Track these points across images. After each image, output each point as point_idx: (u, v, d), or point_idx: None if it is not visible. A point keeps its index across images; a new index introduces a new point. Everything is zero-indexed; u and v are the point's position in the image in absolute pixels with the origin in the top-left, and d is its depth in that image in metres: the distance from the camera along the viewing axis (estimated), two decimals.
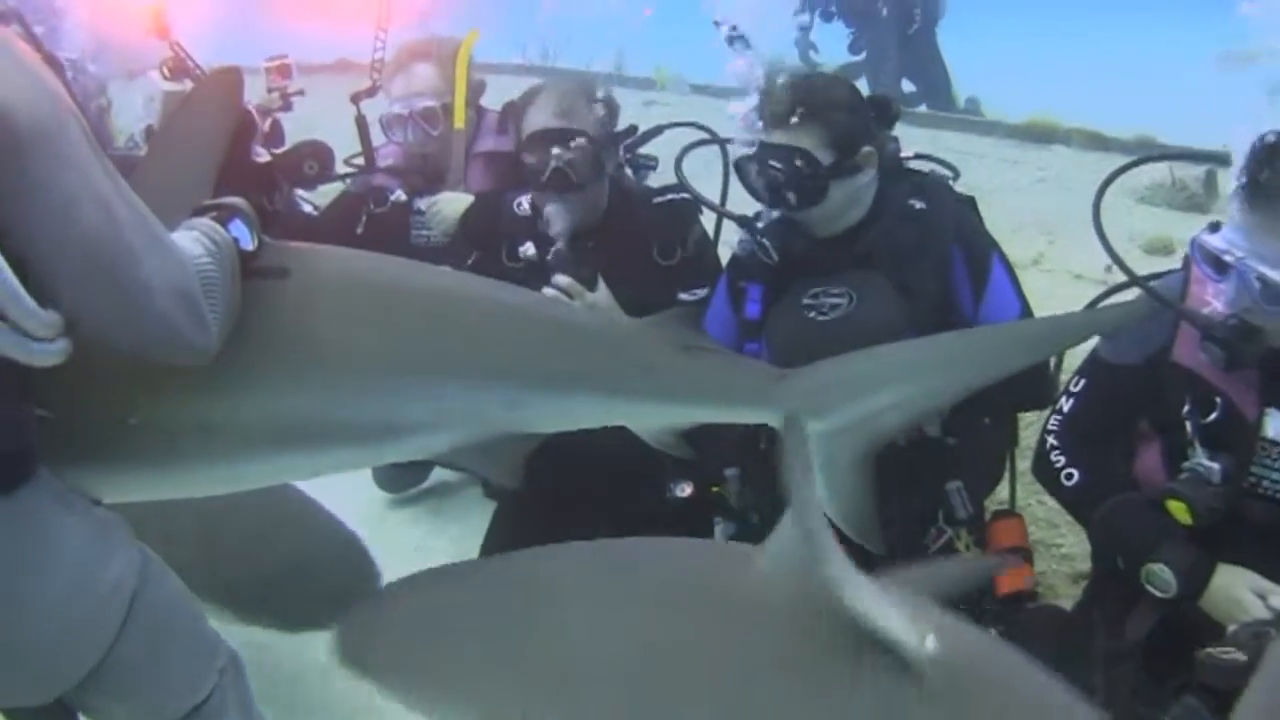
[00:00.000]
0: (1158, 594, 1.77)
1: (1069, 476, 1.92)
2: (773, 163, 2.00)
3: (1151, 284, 1.85)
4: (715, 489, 2.47)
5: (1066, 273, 3.76)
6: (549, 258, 2.24)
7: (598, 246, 2.35)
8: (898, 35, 6.46)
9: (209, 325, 1.29)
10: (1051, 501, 3.16)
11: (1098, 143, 4.88)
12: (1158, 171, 4.37)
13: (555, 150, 2.24)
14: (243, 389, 1.47)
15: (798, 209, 2.04)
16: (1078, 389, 1.95)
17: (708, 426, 2.35)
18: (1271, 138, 1.59)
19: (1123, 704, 1.90)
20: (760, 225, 2.10)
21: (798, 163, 1.98)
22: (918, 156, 2.31)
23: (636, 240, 2.36)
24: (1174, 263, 2.86)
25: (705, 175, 2.54)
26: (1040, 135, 5.34)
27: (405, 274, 1.82)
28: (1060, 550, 2.99)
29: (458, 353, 1.64)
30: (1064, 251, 4.03)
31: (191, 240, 1.33)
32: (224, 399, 1.47)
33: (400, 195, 3.00)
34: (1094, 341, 2.00)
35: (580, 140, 2.25)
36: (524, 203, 2.42)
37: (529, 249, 2.35)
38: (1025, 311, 2.06)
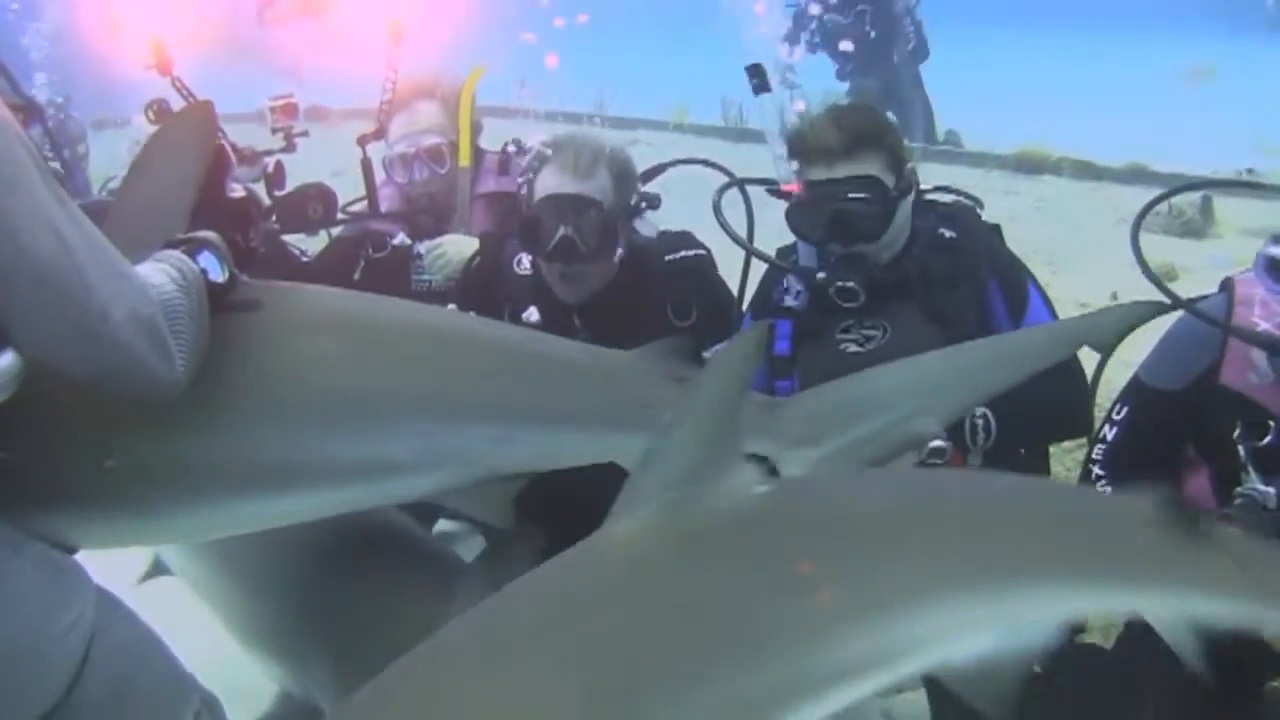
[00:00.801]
0: None
1: None
2: (852, 194, 1.95)
3: (1196, 305, 1.85)
4: None
5: (1072, 301, 3.79)
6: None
7: (609, 311, 2.26)
8: (882, 66, 6.60)
9: (174, 356, 1.26)
10: None
11: (1089, 172, 4.95)
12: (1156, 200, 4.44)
13: (566, 218, 2.14)
14: (221, 429, 1.43)
15: (874, 238, 1.99)
16: (1120, 416, 1.93)
17: None
18: None
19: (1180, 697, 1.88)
20: (819, 266, 2.04)
21: (869, 192, 1.95)
22: (937, 189, 2.30)
23: (650, 302, 2.26)
24: (1178, 289, 2.89)
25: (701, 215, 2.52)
26: (1031, 166, 5.42)
27: (388, 311, 1.78)
28: None
29: (444, 390, 1.61)
30: (1065, 280, 4.07)
31: (157, 271, 1.30)
32: (201, 439, 1.42)
33: (403, 239, 2.95)
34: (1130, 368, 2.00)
35: (593, 210, 2.15)
36: (524, 260, 2.31)
37: (532, 314, 2.25)
38: None
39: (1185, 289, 2.24)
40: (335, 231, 3.12)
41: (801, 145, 2.01)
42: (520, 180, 2.28)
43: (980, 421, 1.91)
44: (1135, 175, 4.94)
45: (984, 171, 5.57)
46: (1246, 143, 4.91)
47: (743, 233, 2.38)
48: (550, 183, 2.18)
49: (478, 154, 2.99)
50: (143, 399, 1.27)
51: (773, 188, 2.13)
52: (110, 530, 1.47)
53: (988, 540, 1.33)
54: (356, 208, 3.12)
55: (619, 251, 2.24)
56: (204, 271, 1.36)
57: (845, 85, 6.81)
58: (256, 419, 1.47)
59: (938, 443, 1.89)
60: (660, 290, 2.26)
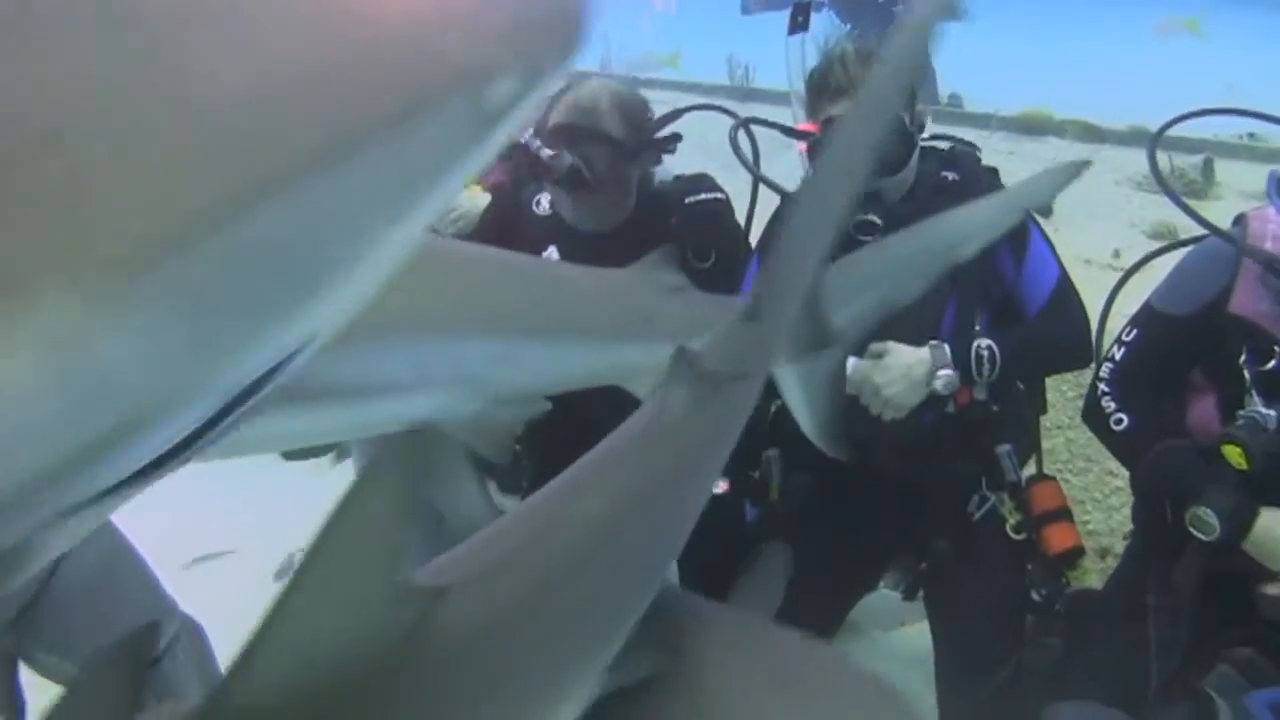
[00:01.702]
0: (1201, 537, 1.84)
1: (1118, 422, 1.99)
2: None
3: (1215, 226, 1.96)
4: (753, 474, 2.54)
5: (1075, 258, 3.90)
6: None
7: (626, 249, 2.38)
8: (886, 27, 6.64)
9: None
10: (1075, 479, 3.31)
11: (1091, 134, 5.05)
12: (1160, 159, 4.55)
13: (574, 147, 2.20)
14: None
15: (897, 170, 2.06)
16: (1130, 338, 2.03)
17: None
18: None
19: (1174, 668, 2.01)
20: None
21: (892, 126, 2.01)
22: (934, 138, 2.39)
23: (668, 243, 2.37)
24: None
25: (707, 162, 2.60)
26: (1034, 127, 5.52)
27: None
28: (1087, 527, 3.12)
29: (438, 305, 1.54)
30: (1068, 238, 4.18)
31: None
32: None
33: None
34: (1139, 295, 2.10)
35: (601, 140, 2.21)
36: (543, 201, 2.37)
37: (552, 253, 2.32)
38: (1064, 276, 2.13)
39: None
40: None
41: (824, 81, 2.07)
42: (529, 129, 2.30)
43: (985, 353, 2.01)
44: (1137, 137, 5.04)
45: (988, 133, 5.67)
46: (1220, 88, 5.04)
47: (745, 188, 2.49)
48: (560, 115, 2.25)
49: None
50: None
51: (789, 128, 2.22)
52: None
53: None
54: None
55: (630, 186, 2.31)
56: None
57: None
58: None
59: (945, 372, 2.02)
60: (680, 232, 2.32)
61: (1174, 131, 4.97)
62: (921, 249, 1.88)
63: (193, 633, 1.71)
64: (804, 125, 2.16)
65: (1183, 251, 2.14)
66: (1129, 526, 2.34)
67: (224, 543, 3.20)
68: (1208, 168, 4.34)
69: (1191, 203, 4.37)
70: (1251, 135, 5.20)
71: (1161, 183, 2.10)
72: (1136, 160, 4.75)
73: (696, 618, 1.29)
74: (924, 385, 2.01)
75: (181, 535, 3.19)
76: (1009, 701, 2.08)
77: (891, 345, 2.04)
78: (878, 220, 2.06)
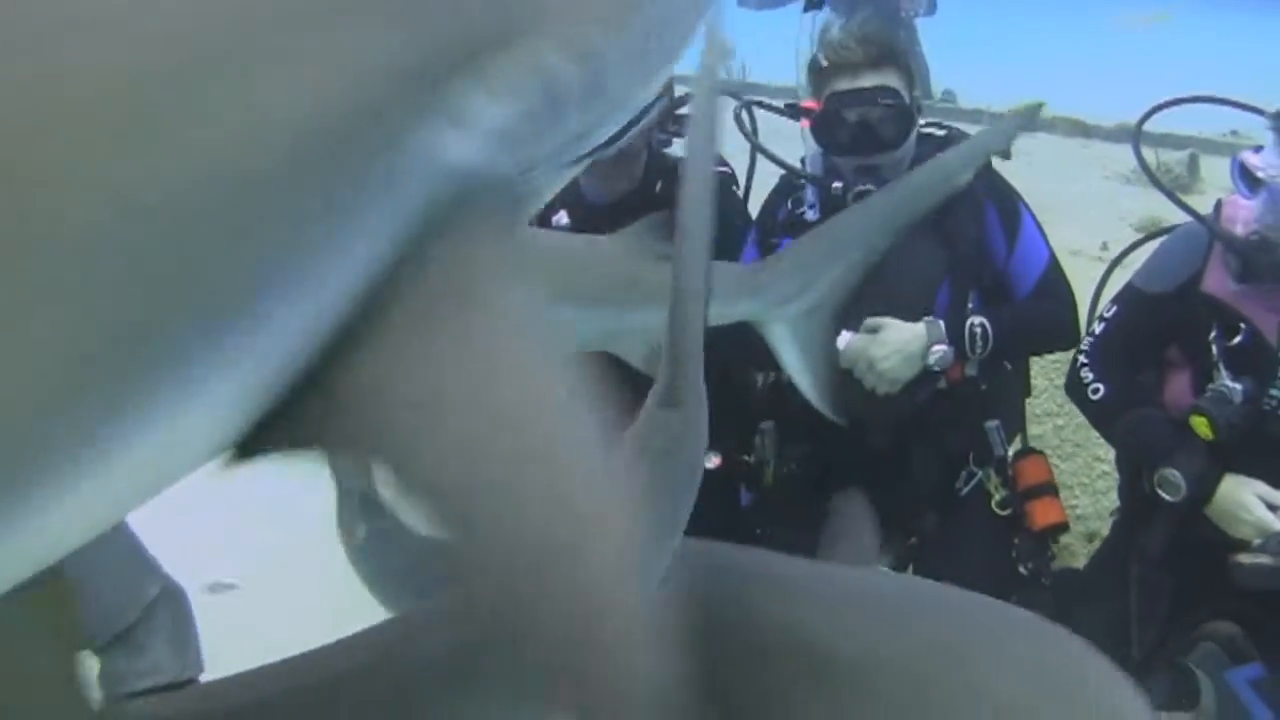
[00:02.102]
0: (1168, 498, 1.96)
1: (1095, 391, 2.11)
2: (881, 100, 2.10)
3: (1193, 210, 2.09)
4: (747, 458, 2.62)
5: (1064, 249, 4.00)
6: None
7: (633, 217, 2.46)
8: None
9: None
10: (1064, 464, 3.40)
11: (1079, 129, 5.16)
12: (1147, 155, 4.66)
13: None
14: None
15: (896, 145, 2.15)
16: (1110, 314, 2.15)
17: (730, 389, 2.52)
18: None
19: (1155, 640, 2.11)
20: (839, 182, 2.18)
21: (891, 101, 2.10)
22: (929, 124, 2.48)
23: (673, 211, 2.46)
24: None
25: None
26: (1024, 123, 5.61)
27: None
28: (1075, 511, 3.21)
29: None
30: (1057, 230, 4.27)
31: None
32: None
33: None
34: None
35: None
36: None
37: (562, 218, 2.40)
38: (1053, 259, 2.23)
39: None
40: None
41: (828, 58, 2.16)
42: None
43: (979, 330, 2.11)
44: (1124, 133, 5.15)
45: (980, 127, 5.76)
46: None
47: (744, 163, 2.57)
48: None
49: None
50: None
51: (791, 105, 2.30)
52: None
53: None
54: None
55: (639, 155, 2.41)
56: None
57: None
58: None
59: (940, 348, 2.11)
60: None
61: (1161, 129, 5.12)
62: (891, 206, 2.03)
63: (175, 599, 1.68)
64: (806, 102, 2.24)
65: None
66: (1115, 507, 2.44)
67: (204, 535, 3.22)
68: (1193, 163, 4.46)
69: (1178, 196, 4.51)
70: (1234, 133, 5.32)
71: (1147, 172, 2.21)
72: (1124, 155, 4.87)
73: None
74: (919, 359, 2.10)
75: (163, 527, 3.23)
76: None
77: (887, 320, 2.13)
78: (874, 190, 2.16)
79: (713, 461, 2.45)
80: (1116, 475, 2.71)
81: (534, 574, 0.54)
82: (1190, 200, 4.44)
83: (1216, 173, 4.59)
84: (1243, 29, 9.00)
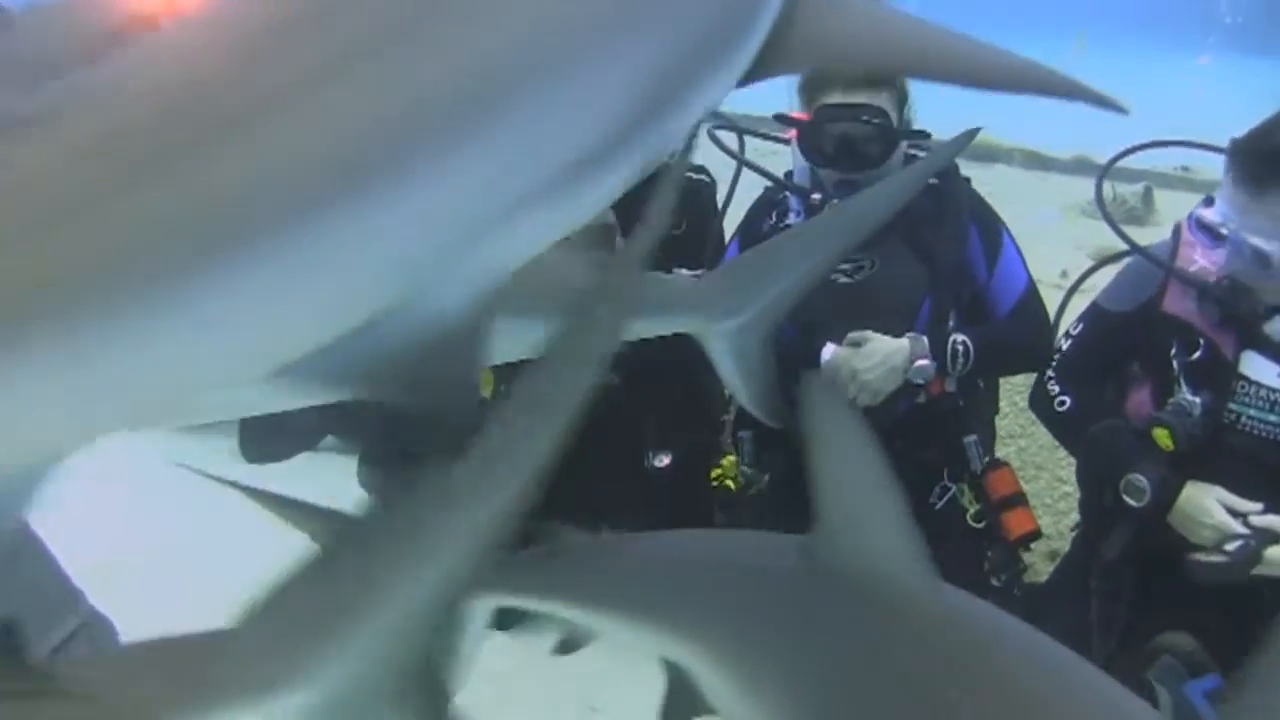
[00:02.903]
0: (1132, 503, 2.06)
1: (1061, 404, 2.22)
2: (864, 118, 2.20)
3: (1146, 249, 2.21)
4: (717, 471, 2.70)
5: None
6: None
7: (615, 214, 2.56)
8: None
9: None
10: (1028, 485, 3.51)
11: (1037, 161, 5.36)
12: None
13: None
14: None
15: (877, 164, 2.23)
16: (1076, 332, 2.28)
17: (701, 392, 2.59)
18: (1255, 130, 1.96)
19: (1113, 648, 2.20)
20: (820, 194, 2.28)
21: (877, 120, 2.20)
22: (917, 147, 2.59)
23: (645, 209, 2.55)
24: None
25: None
26: (983, 154, 5.83)
27: None
28: None
29: None
30: None
31: None
32: None
33: None
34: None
35: None
36: None
37: None
38: (1031, 282, 2.35)
39: None
40: None
41: (823, 71, 2.24)
42: None
43: (960, 347, 2.22)
44: (1080, 166, 5.38)
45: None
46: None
47: (728, 174, 2.66)
48: None
49: None
50: None
51: (780, 115, 2.39)
52: None
53: None
54: None
55: None
56: None
57: None
58: None
59: (922, 362, 2.21)
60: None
61: (1117, 164, 5.34)
62: (834, 227, 2.05)
63: (99, 631, 1.63)
64: (798, 114, 2.33)
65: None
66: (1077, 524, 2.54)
67: (187, 544, 3.23)
68: (1148, 196, 4.66)
69: (1133, 228, 4.70)
70: (1185, 168, 5.57)
71: (1103, 211, 2.33)
72: (1081, 187, 5.07)
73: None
74: (901, 373, 2.21)
75: (142, 533, 3.25)
76: None
77: (870, 334, 2.24)
78: None
79: (663, 461, 2.53)
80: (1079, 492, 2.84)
81: None
82: (1146, 232, 4.67)
83: (1169, 205, 4.81)
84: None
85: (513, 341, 1.80)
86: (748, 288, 1.97)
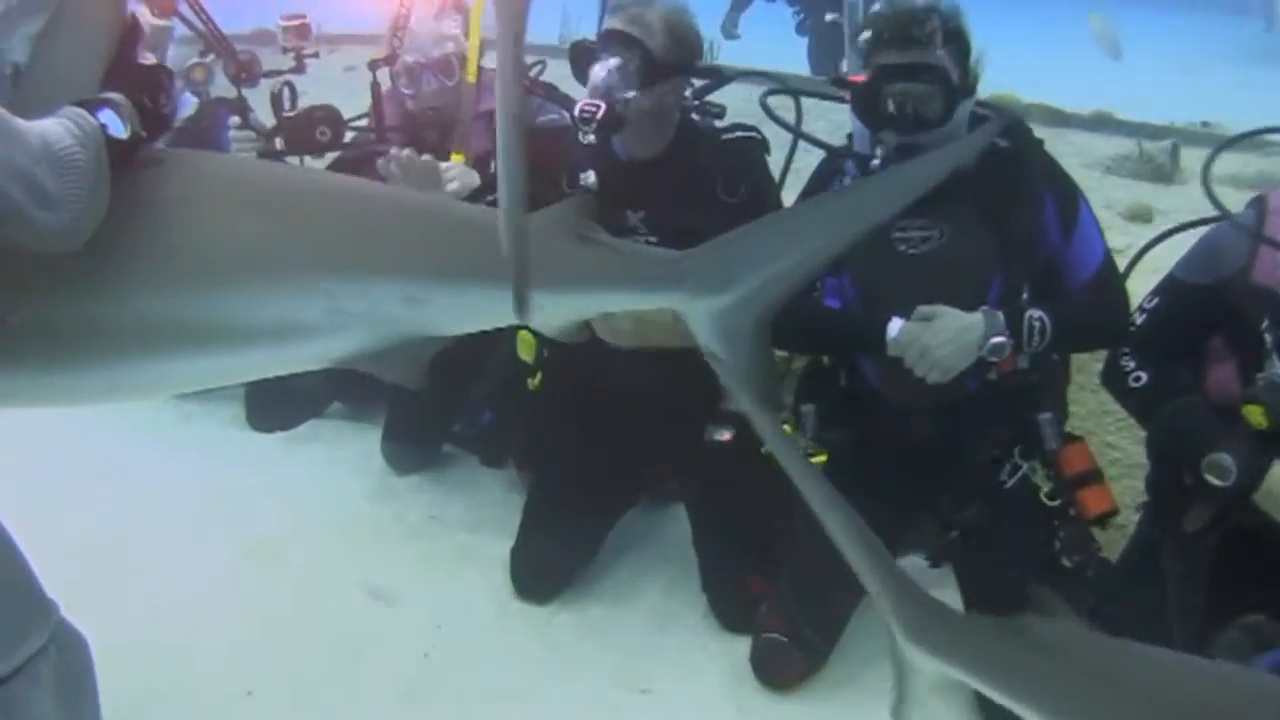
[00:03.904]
0: (1216, 483, 1.99)
1: (1137, 379, 2.17)
2: (922, 78, 2.13)
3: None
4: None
5: None
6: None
7: (662, 178, 2.48)
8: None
9: (63, 206, 1.31)
10: None
11: (1057, 118, 5.27)
12: (1124, 144, 4.80)
13: (614, 52, 2.34)
14: (126, 288, 1.51)
15: (935, 125, 2.17)
16: (1151, 305, 2.22)
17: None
18: None
19: (1193, 629, 2.16)
20: (879, 155, 2.22)
21: (936, 79, 2.13)
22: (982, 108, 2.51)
23: (701, 175, 2.47)
24: (1154, 229, 3.19)
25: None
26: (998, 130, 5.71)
27: (297, 175, 1.95)
28: None
29: (353, 249, 1.67)
30: None
31: (53, 124, 1.35)
32: (106, 298, 1.50)
33: None
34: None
35: (638, 49, 2.34)
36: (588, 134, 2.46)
37: (589, 177, 2.47)
38: (1109, 253, 2.28)
39: (1161, 228, 2.56)
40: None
41: (878, 29, 2.18)
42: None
43: (1037, 324, 2.15)
44: (1100, 123, 5.30)
45: None
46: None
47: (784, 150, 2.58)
48: (608, 22, 2.41)
49: (480, 71, 3.12)
50: (32, 249, 1.34)
51: (837, 78, 2.31)
52: (11, 388, 1.54)
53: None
54: (360, 125, 3.24)
55: (669, 115, 2.46)
56: (104, 127, 1.43)
57: (805, 39, 7.01)
58: (162, 277, 1.55)
59: (998, 340, 2.14)
60: (713, 165, 2.48)
61: (1137, 119, 5.22)
62: (845, 208, 2.01)
63: (71, 652, 1.57)
64: (853, 76, 2.26)
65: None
66: (1131, 498, 2.49)
67: (194, 518, 3.15)
68: (1174, 153, 4.59)
69: (1161, 186, 4.63)
70: (1206, 124, 5.50)
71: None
72: (1100, 145, 5.02)
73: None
74: (974, 350, 2.14)
75: (152, 509, 3.17)
76: None
77: (941, 309, 2.17)
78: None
79: (724, 436, 2.49)
80: (1139, 463, 2.79)
81: None
82: (1174, 190, 4.57)
83: (1194, 161, 4.75)
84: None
85: (498, 307, 1.74)
86: (737, 265, 1.92)
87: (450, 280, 1.74)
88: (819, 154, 2.50)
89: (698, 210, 2.38)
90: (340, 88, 4.49)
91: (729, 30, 7.03)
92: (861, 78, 2.22)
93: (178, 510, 3.21)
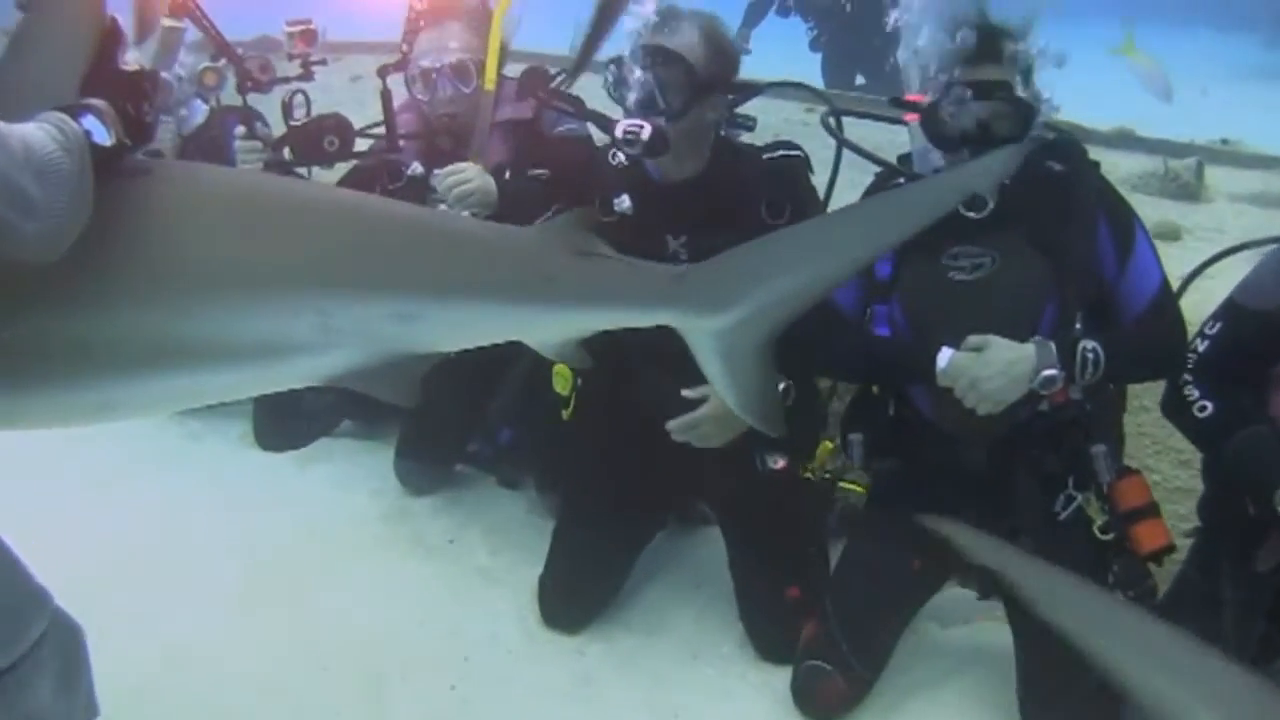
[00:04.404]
0: None
1: (1202, 409, 2.12)
2: (999, 94, 2.09)
3: None
4: (808, 468, 2.61)
5: None
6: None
7: (703, 202, 2.43)
8: (859, 36, 6.71)
9: (43, 214, 1.28)
10: None
11: (1078, 135, 5.24)
12: (1149, 160, 4.78)
13: (651, 69, 2.29)
14: (111, 302, 1.48)
15: (1015, 140, 2.13)
16: (1213, 331, 2.17)
17: (806, 398, 2.50)
18: None
19: (1248, 657, 2.13)
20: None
21: (1011, 95, 2.10)
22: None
23: (743, 196, 2.43)
24: (1182, 248, 3.14)
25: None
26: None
27: (290, 187, 1.93)
28: None
29: (345, 264, 1.65)
30: None
31: (34, 129, 1.33)
32: (91, 313, 1.47)
33: (417, 168, 3.02)
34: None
35: (679, 66, 2.28)
36: (620, 155, 2.45)
37: (624, 202, 2.42)
38: (1166, 282, 2.23)
39: (1190, 248, 2.54)
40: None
41: (942, 46, 2.14)
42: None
43: (1090, 355, 2.11)
44: (1121, 139, 5.28)
45: None
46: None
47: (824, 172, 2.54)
48: (644, 37, 2.34)
49: (500, 80, 3.06)
50: (12, 258, 1.31)
51: (896, 99, 2.27)
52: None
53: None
54: (375, 134, 3.18)
55: (705, 133, 2.40)
56: (88, 133, 1.40)
57: (818, 55, 7.00)
58: (149, 292, 1.51)
59: (1050, 372, 2.10)
60: (755, 185, 2.43)
61: (1156, 135, 5.19)
62: (852, 229, 1.97)
63: (67, 638, 1.62)
64: (912, 96, 2.22)
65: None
66: (1172, 524, 2.44)
67: (205, 543, 3.09)
68: (1199, 170, 4.57)
69: (1185, 204, 4.60)
70: (1225, 141, 5.49)
71: None
72: (1124, 162, 4.99)
73: None
74: (1025, 382, 2.11)
75: (161, 534, 3.11)
76: (1101, 706, 2.17)
77: (991, 339, 2.13)
78: (986, 196, 2.14)
79: (778, 463, 2.45)
80: (1179, 488, 2.76)
81: None
82: (1199, 207, 4.54)
83: (1216, 179, 4.74)
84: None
85: (494, 324, 1.78)
86: (742, 283, 1.89)
87: (442, 296, 1.72)
88: (855, 174, 2.47)
89: (742, 234, 2.32)
90: (349, 99, 4.46)
91: (740, 45, 7.00)
92: (920, 97, 2.18)
93: (188, 534, 3.15)
